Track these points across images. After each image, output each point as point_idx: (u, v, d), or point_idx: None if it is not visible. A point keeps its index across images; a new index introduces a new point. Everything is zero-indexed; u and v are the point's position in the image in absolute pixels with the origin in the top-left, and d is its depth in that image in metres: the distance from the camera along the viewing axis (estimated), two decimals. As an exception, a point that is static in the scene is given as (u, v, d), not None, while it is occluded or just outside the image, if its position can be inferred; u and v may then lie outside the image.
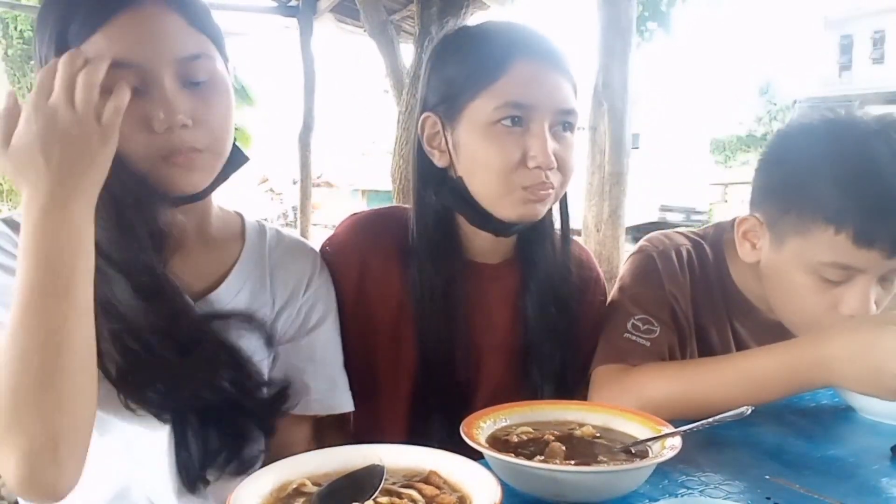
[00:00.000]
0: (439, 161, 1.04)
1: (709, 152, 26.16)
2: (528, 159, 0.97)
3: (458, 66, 1.01)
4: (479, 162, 0.99)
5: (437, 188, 1.05)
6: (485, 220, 1.04)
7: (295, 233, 1.06)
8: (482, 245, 1.09)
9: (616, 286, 1.20)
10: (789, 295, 1.06)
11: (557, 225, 1.13)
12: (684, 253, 1.19)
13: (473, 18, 4.06)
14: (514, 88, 0.96)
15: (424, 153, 1.06)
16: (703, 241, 1.22)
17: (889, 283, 1.02)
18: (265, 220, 1.07)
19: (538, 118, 0.97)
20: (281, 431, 0.93)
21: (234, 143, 0.91)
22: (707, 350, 1.17)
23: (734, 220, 1.23)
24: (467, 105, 0.99)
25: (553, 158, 0.97)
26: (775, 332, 1.19)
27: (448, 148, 1.02)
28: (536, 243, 1.10)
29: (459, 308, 1.07)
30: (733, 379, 0.97)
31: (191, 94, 0.82)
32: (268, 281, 0.97)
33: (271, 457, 0.88)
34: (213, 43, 0.86)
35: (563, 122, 1.00)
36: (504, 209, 1.01)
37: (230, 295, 0.93)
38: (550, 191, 1.00)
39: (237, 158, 0.92)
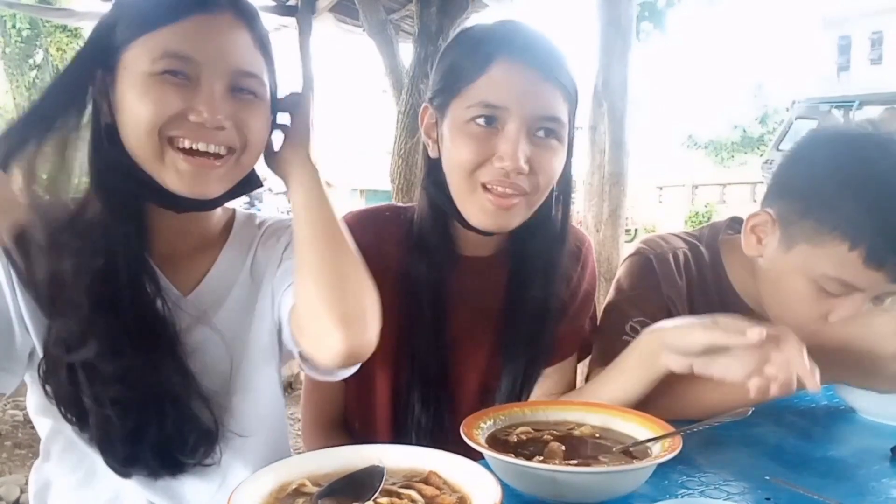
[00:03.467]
0: (433, 152, 1.05)
1: (707, 153, 26.21)
2: (494, 159, 0.95)
3: (450, 63, 1.02)
4: (451, 157, 1.00)
5: (428, 178, 1.07)
6: (460, 219, 1.03)
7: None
8: (474, 240, 1.08)
9: (612, 288, 1.20)
10: (784, 297, 1.06)
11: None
12: (681, 256, 1.19)
13: (473, 18, 4.06)
14: (489, 89, 0.95)
15: (425, 144, 1.08)
16: (699, 244, 1.22)
17: (880, 301, 1.02)
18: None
19: (513, 120, 0.95)
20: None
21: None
22: None
23: (729, 220, 1.24)
24: (452, 101, 0.99)
25: (523, 163, 0.94)
26: None
27: (438, 140, 1.04)
28: (529, 240, 1.07)
29: (445, 303, 1.08)
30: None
31: (235, 101, 0.85)
32: (250, 259, 0.99)
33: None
34: (268, 71, 0.90)
35: (545, 128, 0.97)
36: (471, 213, 1.00)
37: (214, 287, 0.95)
38: (517, 199, 0.97)
39: (252, 180, 0.94)
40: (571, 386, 1.17)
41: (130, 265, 0.84)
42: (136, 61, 0.81)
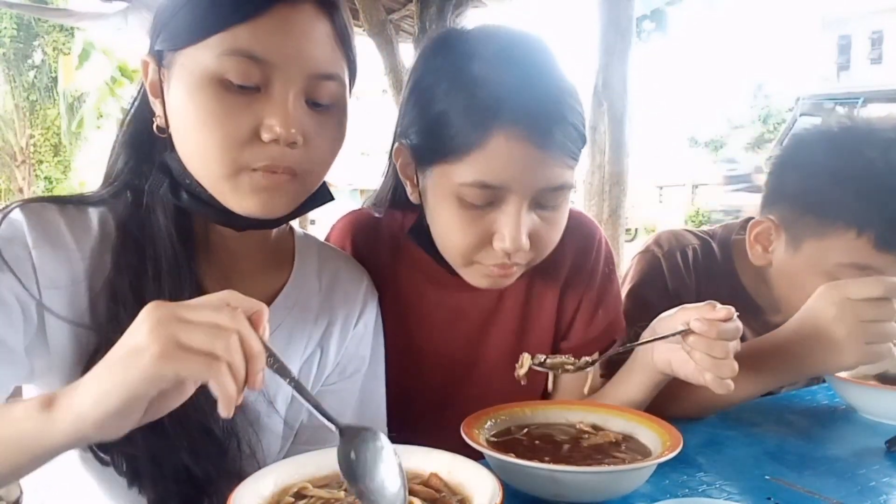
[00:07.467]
0: (412, 195, 0.93)
1: (708, 151, 26.21)
2: (494, 239, 0.85)
3: (437, 111, 0.84)
4: (439, 230, 0.90)
5: (412, 220, 0.97)
6: (455, 274, 0.95)
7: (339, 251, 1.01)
8: None
9: (621, 289, 1.19)
10: (804, 298, 1.03)
11: None
12: (690, 253, 1.19)
13: (472, 18, 4.05)
14: (486, 167, 0.80)
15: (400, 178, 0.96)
16: (711, 241, 1.22)
17: None
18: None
19: (513, 197, 0.82)
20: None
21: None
22: None
23: (743, 220, 1.23)
24: (437, 163, 0.85)
25: (525, 241, 0.83)
26: None
27: (418, 188, 0.91)
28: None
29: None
30: None
31: (310, 113, 0.75)
32: (314, 312, 0.90)
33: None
34: (348, 67, 0.79)
35: (549, 197, 0.85)
36: (467, 277, 0.92)
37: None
38: (517, 269, 0.90)
39: (322, 195, 0.83)
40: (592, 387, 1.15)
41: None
42: (196, 58, 0.71)
